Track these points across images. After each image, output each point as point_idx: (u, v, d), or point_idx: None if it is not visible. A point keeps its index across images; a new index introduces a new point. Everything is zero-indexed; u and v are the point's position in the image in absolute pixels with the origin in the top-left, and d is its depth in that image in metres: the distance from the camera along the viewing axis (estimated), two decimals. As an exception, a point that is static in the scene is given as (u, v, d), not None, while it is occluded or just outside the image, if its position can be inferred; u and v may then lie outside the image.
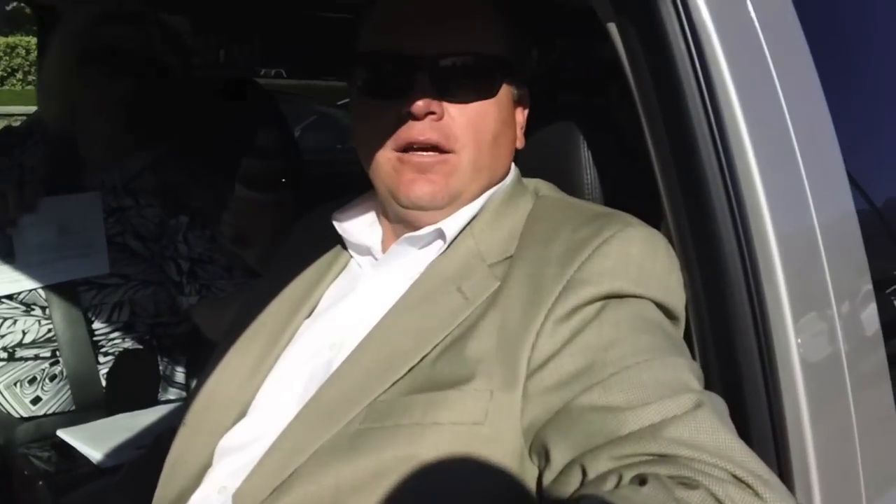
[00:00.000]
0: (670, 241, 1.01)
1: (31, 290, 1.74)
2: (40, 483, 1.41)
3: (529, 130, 1.21)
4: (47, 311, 1.74)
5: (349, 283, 1.09)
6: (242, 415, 1.04)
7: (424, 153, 0.98)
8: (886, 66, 1.44)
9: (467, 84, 0.99)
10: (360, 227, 1.11)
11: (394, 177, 1.00)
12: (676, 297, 0.95)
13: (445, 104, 0.98)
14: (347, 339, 0.98)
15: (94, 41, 1.76)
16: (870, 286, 1.13)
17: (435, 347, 0.90)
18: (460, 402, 0.84)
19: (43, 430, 1.64)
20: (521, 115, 1.10)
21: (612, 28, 1.00)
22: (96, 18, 1.77)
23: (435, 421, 0.84)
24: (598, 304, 0.88)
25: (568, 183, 1.18)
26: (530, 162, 1.22)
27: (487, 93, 1.00)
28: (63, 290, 1.74)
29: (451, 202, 1.01)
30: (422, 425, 0.84)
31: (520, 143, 1.10)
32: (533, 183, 1.11)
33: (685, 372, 0.85)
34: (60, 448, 1.54)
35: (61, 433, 1.59)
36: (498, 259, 0.96)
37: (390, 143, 0.99)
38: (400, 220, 1.05)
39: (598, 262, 0.90)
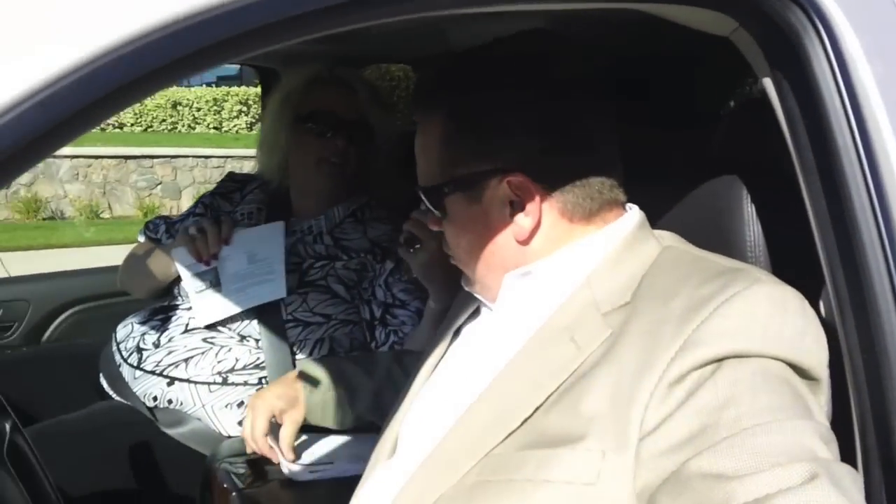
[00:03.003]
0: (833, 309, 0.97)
1: (248, 323, 1.94)
2: (233, 494, 1.56)
3: (686, 182, 1.20)
4: (259, 343, 1.93)
5: (475, 331, 1.18)
6: (395, 446, 1.16)
7: None
8: None
9: (430, 215, 1.13)
10: None
11: None
12: (813, 358, 0.90)
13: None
14: (467, 388, 1.03)
15: (304, 105, 1.95)
16: None
17: (548, 398, 0.92)
18: (572, 462, 0.86)
19: (246, 446, 1.81)
20: (518, 208, 1.05)
21: (768, 83, 0.99)
22: (306, 83, 1.97)
23: (546, 479, 0.86)
24: (715, 364, 0.85)
25: (727, 241, 1.14)
26: (686, 216, 1.21)
27: (438, 221, 1.12)
28: (274, 325, 1.91)
29: (472, 287, 1.14)
30: (534, 482, 0.86)
31: (520, 237, 1.05)
32: (659, 233, 1.09)
33: (808, 436, 0.80)
34: (255, 464, 1.69)
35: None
36: (613, 307, 0.96)
37: None
38: None
39: (717, 322, 0.87)
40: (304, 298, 1.92)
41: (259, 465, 1.70)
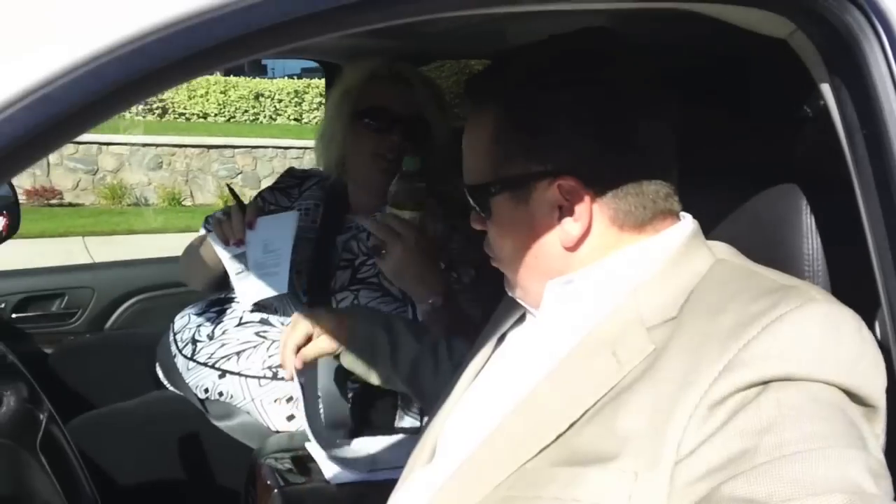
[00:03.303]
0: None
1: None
2: (275, 492, 1.57)
3: (742, 188, 1.13)
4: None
5: (518, 339, 1.14)
6: (434, 451, 1.14)
7: None
8: None
9: (473, 215, 1.10)
10: None
11: None
12: (869, 384, 0.83)
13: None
14: (506, 397, 1.00)
15: (362, 101, 1.95)
16: None
17: (584, 414, 0.88)
18: (603, 482, 0.82)
19: (292, 443, 1.82)
20: (568, 212, 0.99)
21: (826, 89, 0.93)
22: (365, 79, 1.96)
23: (575, 498, 0.82)
24: (761, 386, 0.80)
25: (784, 254, 1.07)
26: (741, 226, 1.14)
27: (483, 221, 1.08)
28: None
29: (514, 291, 1.09)
30: (561, 500, 0.83)
31: (567, 243, 1.00)
32: (712, 244, 1.03)
33: (856, 468, 0.75)
34: (299, 461, 1.69)
35: (308, 446, 1.75)
36: (658, 321, 0.91)
37: None
38: None
39: (765, 341, 0.81)
40: (355, 295, 1.91)
41: (303, 464, 1.71)
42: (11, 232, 2.37)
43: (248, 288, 1.92)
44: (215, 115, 14.59)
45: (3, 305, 2.37)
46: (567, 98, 0.98)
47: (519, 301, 1.10)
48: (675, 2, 0.98)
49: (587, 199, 0.98)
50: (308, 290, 1.96)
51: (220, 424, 1.89)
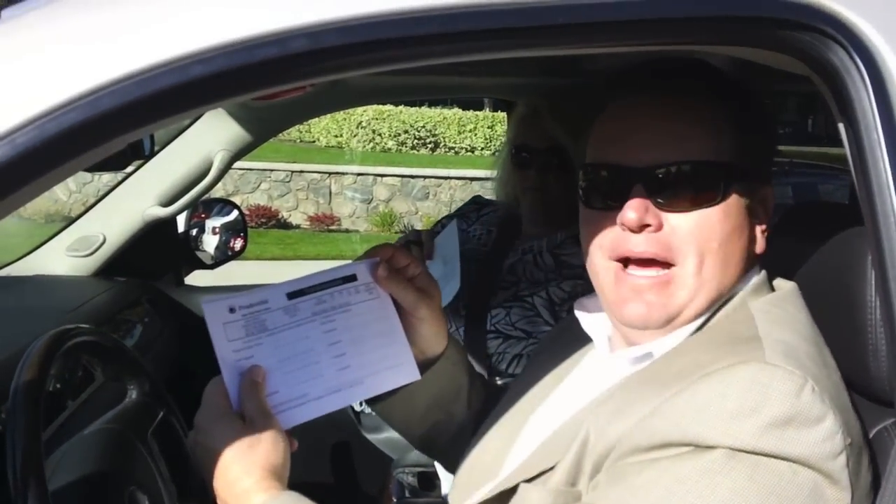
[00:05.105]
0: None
1: (453, 329, 2.06)
2: (394, 500, 1.70)
3: (816, 232, 1.09)
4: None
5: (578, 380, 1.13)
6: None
7: (642, 273, 0.96)
8: None
9: (687, 192, 0.95)
10: (593, 320, 1.11)
11: (612, 290, 1.00)
12: (798, 448, 0.80)
13: (664, 214, 0.95)
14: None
15: (512, 139, 2.10)
16: None
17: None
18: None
19: (427, 459, 1.93)
20: (761, 219, 1.01)
21: (841, 129, 0.89)
22: (516, 119, 2.12)
23: None
24: (663, 449, 0.81)
25: (847, 298, 1.01)
26: (810, 268, 1.09)
27: (710, 200, 0.95)
28: (476, 335, 2.01)
29: (669, 321, 0.97)
30: None
31: (759, 248, 1.01)
32: (779, 283, 1.02)
33: None
34: (425, 477, 1.81)
35: (437, 463, 1.85)
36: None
37: (608, 253, 0.99)
38: (620, 328, 1.05)
39: (683, 398, 0.82)
40: (507, 312, 1.99)
41: (429, 479, 1.82)
42: (243, 250, 2.73)
43: None
44: (482, 148, 15.21)
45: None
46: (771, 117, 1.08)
47: (626, 324, 1.02)
48: (700, 45, 0.98)
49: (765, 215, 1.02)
50: (469, 304, 2.05)
51: (370, 437, 2.05)
